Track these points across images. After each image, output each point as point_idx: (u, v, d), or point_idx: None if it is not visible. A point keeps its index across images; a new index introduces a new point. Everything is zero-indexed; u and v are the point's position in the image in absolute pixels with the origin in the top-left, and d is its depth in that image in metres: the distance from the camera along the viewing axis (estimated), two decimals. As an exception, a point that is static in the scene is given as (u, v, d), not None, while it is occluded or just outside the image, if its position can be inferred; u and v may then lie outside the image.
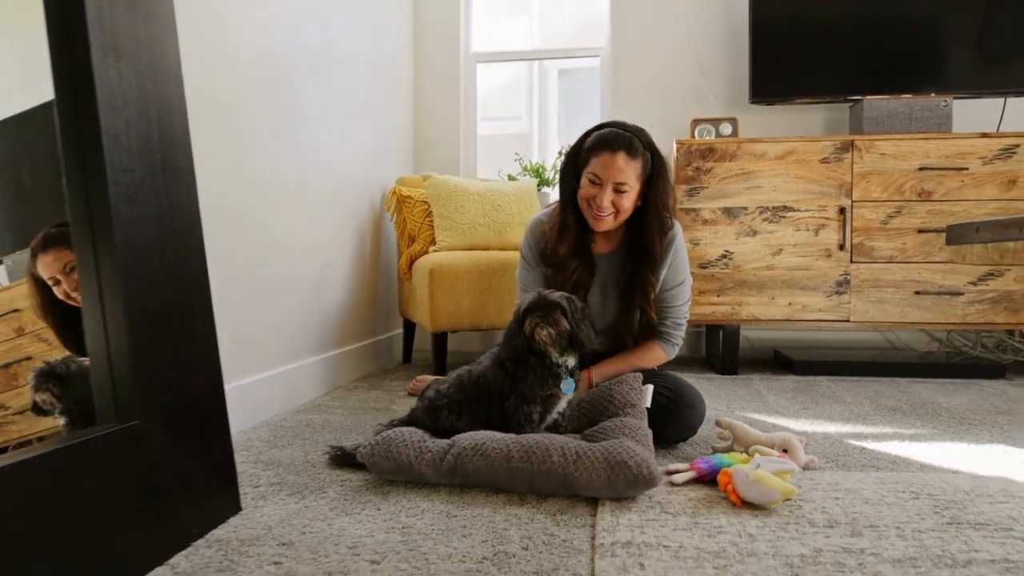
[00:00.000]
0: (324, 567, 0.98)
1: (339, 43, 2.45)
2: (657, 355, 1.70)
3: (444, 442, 1.34)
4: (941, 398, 2.14)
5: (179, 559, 1.01)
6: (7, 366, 1.29)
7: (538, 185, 3.14)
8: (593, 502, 1.22)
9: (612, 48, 3.26)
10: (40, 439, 1.26)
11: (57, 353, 1.29)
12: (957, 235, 0.88)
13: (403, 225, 2.74)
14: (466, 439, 1.31)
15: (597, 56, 3.43)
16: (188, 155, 1.19)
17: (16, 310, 1.30)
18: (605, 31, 3.35)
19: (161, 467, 1.04)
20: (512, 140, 6.77)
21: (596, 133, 1.63)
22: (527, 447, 1.26)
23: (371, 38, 2.82)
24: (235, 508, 1.21)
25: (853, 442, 1.63)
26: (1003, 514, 1.12)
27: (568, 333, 1.38)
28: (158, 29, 1.13)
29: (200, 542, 1.07)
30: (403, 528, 1.11)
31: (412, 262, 2.66)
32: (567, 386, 1.42)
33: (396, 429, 1.40)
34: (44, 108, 1.26)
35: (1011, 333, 2.90)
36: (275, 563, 0.99)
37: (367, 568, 0.97)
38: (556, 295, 1.40)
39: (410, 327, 2.98)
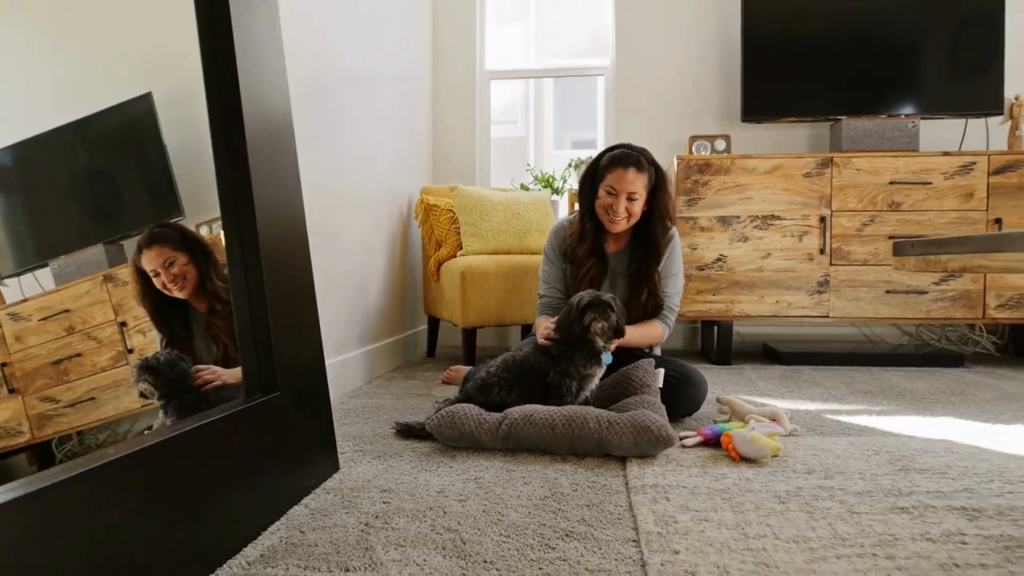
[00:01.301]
0: (423, 504, 1.27)
1: (371, 63, 2.74)
2: (657, 330, 2.02)
3: (498, 415, 1.64)
4: (907, 383, 2.47)
5: (308, 501, 1.31)
6: (58, 362, 1.46)
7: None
8: (622, 460, 1.53)
9: (616, 69, 3.57)
10: (78, 434, 1.47)
11: (105, 351, 1.54)
12: (899, 248, 1.19)
13: (431, 231, 3.04)
14: (517, 411, 1.62)
15: (602, 75, 3.74)
16: (294, 160, 1.46)
17: (66, 311, 1.47)
18: (610, 52, 3.66)
19: (291, 430, 1.34)
20: (509, 144, 7.07)
21: (609, 154, 1.97)
22: (568, 416, 1.56)
23: (397, 57, 3.10)
24: (335, 468, 1.50)
25: (829, 416, 1.95)
26: (942, 463, 1.44)
27: (615, 326, 1.71)
28: (271, 50, 1.41)
29: (318, 490, 1.37)
30: (475, 479, 1.42)
31: (440, 265, 2.96)
32: (607, 358, 1.76)
33: (456, 405, 1.70)
34: (79, 124, 1.46)
35: (972, 327, 3.25)
36: (384, 502, 1.29)
37: (457, 504, 1.27)
38: (607, 296, 1.73)
39: (434, 324, 3.27)
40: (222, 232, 1.42)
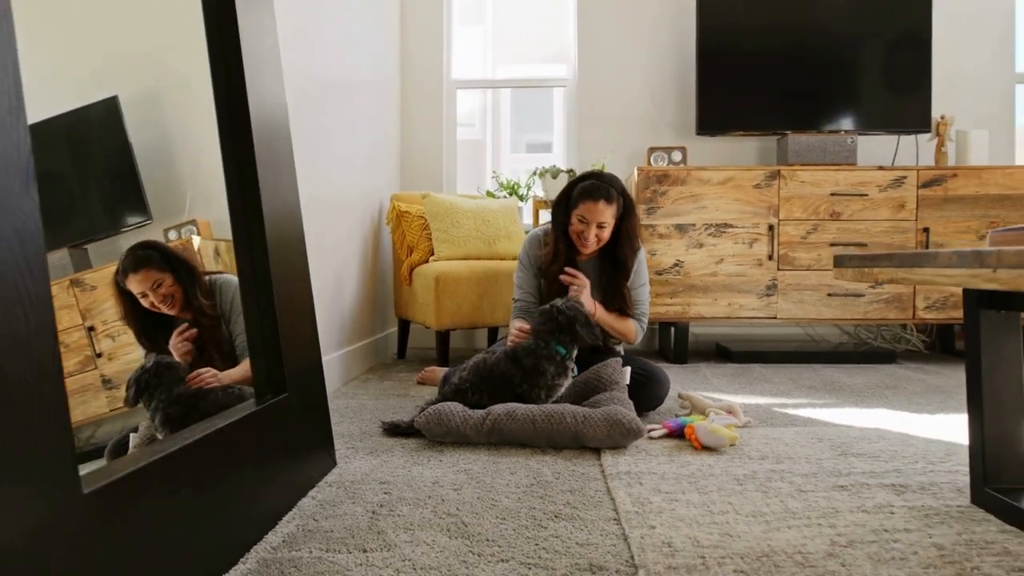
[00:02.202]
0: (421, 494, 1.40)
1: (346, 73, 2.83)
2: (632, 327, 2.19)
3: (482, 411, 1.77)
4: (846, 378, 2.71)
5: (314, 493, 1.42)
6: (26, 369, 1.57)
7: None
8: (596, 451, 1.68)
9: (578, 81, 3.74)
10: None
11: (72, 356, 1.58)
12: (839, 261, 1.38)
13: (402, 237, 3.14)
14: (499, 408, 1.75)
15: (564, 86, 3.90)
16: (293, 172, 1.55)
17: (34, 317, 1.59)
18: (571, 65, 3.83)
19: (297, 428, 1.44)
20: (468, 147, 7.19)
21: (581, 185, 2.11)
22: (547, 413, 1.71)
23: (368, 67, 3.19)
24: (333, 463, 1.61)
25: (778, 409, 2.15)
26: (876, 448, 1.65)
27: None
28: (272, 62, 1.51)
29: (321, 483, 1.48)
30: (465, 471, 1.55)
31: (412, 270, 3.06)
32: (574, 372, 1.92)
33: (441, 403, 1.83)
34: (42, 125, 1.41)
35: (904, 327, 3.54)
36: (385, 493, 1.41)
37: (452, 492, 1.40)
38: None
39: (405, 326, 3.38)
40: (194, 238, 1.50)
